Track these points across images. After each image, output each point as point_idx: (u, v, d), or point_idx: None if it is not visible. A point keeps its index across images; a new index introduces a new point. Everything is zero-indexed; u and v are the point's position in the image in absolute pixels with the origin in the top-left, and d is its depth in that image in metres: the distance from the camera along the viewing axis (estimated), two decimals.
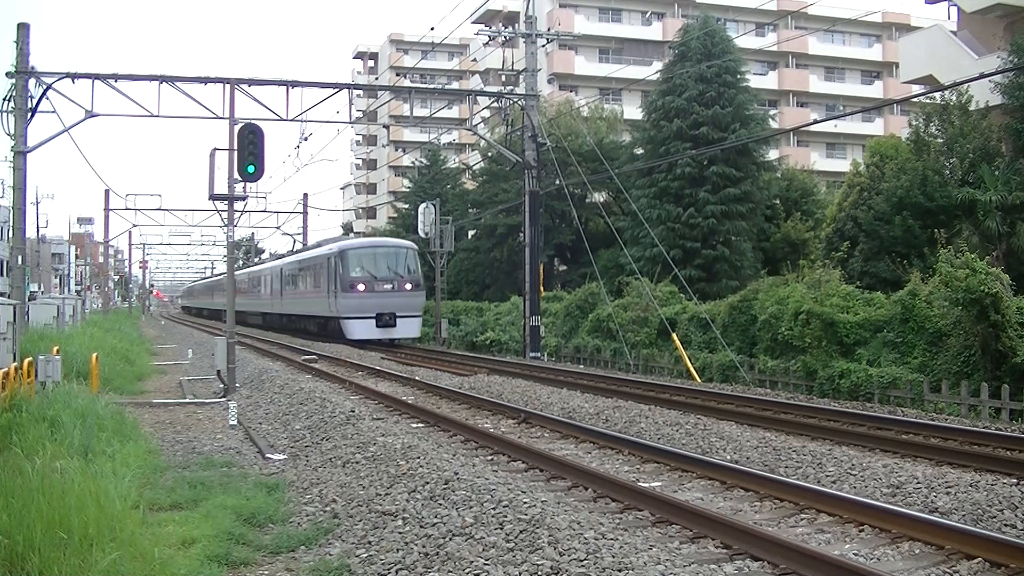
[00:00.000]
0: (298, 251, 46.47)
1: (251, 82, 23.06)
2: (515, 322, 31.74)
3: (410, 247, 33.53)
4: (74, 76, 22.59)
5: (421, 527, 7.20)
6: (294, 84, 23.81)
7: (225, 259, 25.14)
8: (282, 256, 49.89)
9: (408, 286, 31.98)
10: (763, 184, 35.61)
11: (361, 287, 31.59)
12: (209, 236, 74.18)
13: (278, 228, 58.86)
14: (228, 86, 20.35)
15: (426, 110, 42.61)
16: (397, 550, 6.75)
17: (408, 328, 31.95)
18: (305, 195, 55.80)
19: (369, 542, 7.09)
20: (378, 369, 21.88)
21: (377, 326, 31.19)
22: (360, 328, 31.31)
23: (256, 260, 64.89)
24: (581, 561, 6.02)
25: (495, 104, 33.05)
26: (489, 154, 45.17)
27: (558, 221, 41.64)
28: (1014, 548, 6.31)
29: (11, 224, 25.74)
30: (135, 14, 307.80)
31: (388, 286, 31.73)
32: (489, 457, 10.72)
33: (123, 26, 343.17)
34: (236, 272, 48.43)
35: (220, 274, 72.05)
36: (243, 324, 51.40)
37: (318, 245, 40.31)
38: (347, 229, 67.64)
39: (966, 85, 23.76)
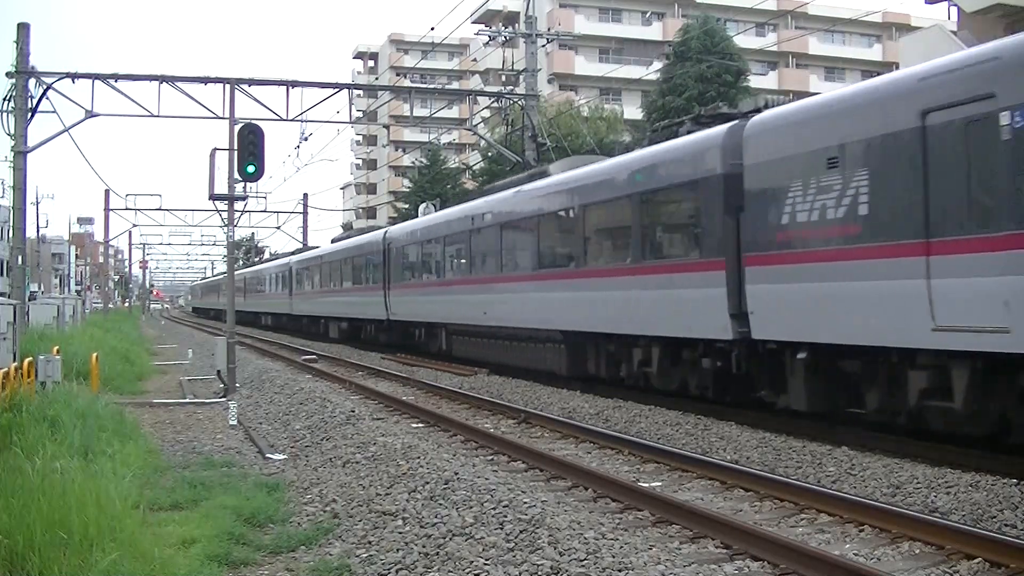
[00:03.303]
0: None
1: (251, 82, 23.07)
2: None
3: None
4: (74, 76, 22.60)
5: (421, 527, 7.19)
6: (294, 84, 23.80)
7: (225, 259, 25.17)
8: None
9: None
10: None
11: None
12: (209, 236, 74.28)
13: (278, 228, 58.82)
14: (228, 86, 20.37)
15: (426, 110, 42.56)
16: (397, 550, 6.75)
17: None
18: (305, 195, 55.88)
19: (369, 542, 7.08)
20: (378, 369, 21.88)
21: None
22: None
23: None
24: (581, 561, 6.01)
25: (495, 104, 33.01)
26: (489, 154, 45.15)
27: None
28: (1014, 548, 6.30)
29: (11, 224, 25.76)
30: (135, 14, 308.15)
31: None
32: (489, 457, 10.73)
33: (123, 26, 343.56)
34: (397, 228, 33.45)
35: (262, 262, 59.87)
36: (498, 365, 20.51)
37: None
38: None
39: None
